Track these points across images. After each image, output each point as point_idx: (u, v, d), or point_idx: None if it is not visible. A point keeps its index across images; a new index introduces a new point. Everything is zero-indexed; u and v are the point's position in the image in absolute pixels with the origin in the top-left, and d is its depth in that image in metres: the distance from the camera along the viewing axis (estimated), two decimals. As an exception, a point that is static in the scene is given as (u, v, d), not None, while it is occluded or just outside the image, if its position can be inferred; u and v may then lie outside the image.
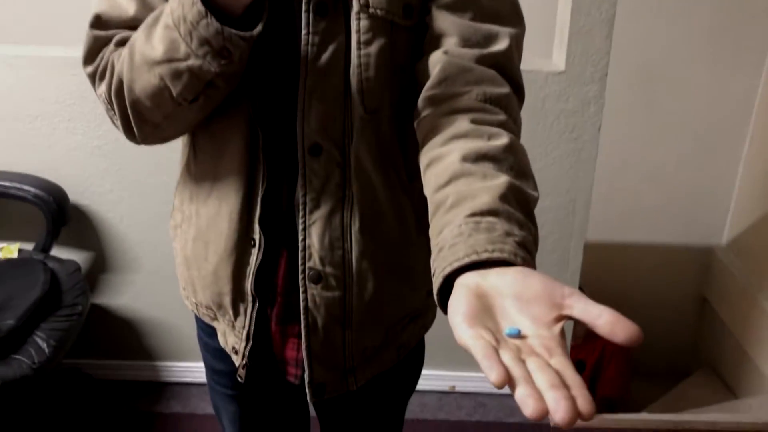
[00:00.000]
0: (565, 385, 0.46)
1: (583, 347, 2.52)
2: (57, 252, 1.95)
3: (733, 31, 2.43)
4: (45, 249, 1.89)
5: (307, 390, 0.91)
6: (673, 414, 2.24)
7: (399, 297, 0.93)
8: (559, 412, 0.44)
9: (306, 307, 0.87)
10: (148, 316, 2.12)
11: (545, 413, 0.44)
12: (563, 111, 1.84)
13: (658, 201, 2.68)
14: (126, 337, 2.14)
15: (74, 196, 1.94)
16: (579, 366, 2.46)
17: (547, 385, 0.46)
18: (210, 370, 1.06)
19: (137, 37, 0.76)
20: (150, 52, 0.74)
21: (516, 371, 0.47)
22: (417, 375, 1.09)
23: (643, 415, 2.25)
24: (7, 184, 1.85)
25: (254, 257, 0.86)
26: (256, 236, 0.85)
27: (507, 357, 0.48)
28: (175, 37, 0.71)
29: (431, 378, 2.17)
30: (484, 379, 2.17)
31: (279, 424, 1.11)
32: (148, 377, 2.18)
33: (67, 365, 2.12)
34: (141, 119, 0.80)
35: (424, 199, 0.89)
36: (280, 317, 0.91)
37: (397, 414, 1.12)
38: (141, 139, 0.83)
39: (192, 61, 0.72)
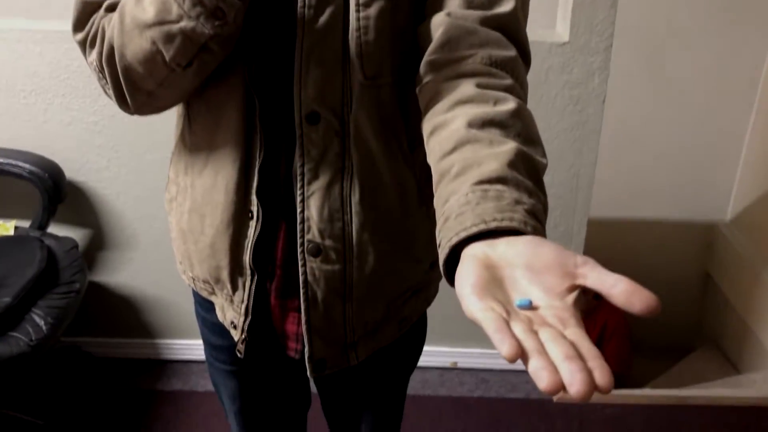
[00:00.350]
0: (581, 357, 0.43)
1: (584, 323, 2.50)
2: (54, 229, 1.92)
3: (739, 3, 2.38)
4: (41, 226, 1.87)
5: (307, 365, 0.89)
6: (676, 389, 2.24)
7: (400, 270, 0.90)
8: (574, 385, 0.41)
9: (305, 281, 0.85)
10: (147, 294, 2.10)
11: (560, 386, 0.42)
12: (567, 83, 1.80)
13: (662, 177, 2.65)
14: (125, 315, 2.13)
15: (70, 172, 1.91)
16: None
17: (562, 357, 0.43)
18: (208, 345, 1.04)
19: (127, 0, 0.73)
20: (141, 14, 0.71)
21: (528, 343, 0.44)
22: (419, 350, 1.07)
23: (646, 391, 2.24)
24: (2, 160, 1.82)
25: (252, 230, 0.84)
26: (254, 208, 0.83)
27: (519, 329, 0.45)
28: None
29: (433, 354, 2.16)
30: (487, 355, 2.18)
31: (279, 399, 1.09)
32: (148, 355, 2.17)
33: (66, 343, 2.11)
34: (134, 87, 0.77)
35: (426, 169, 0.86)
36: (279, 291, 0.89)
37: (399, 389, 1.10)
38: (134, 108, 0.81)
39: (185, 23, 0.69)
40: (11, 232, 1.84)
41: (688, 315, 2.84)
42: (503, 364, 2.19)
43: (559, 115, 1.84)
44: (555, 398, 2.09)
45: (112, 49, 0.75)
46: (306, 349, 0.88)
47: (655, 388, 2.37)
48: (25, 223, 1.89)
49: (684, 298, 2.81)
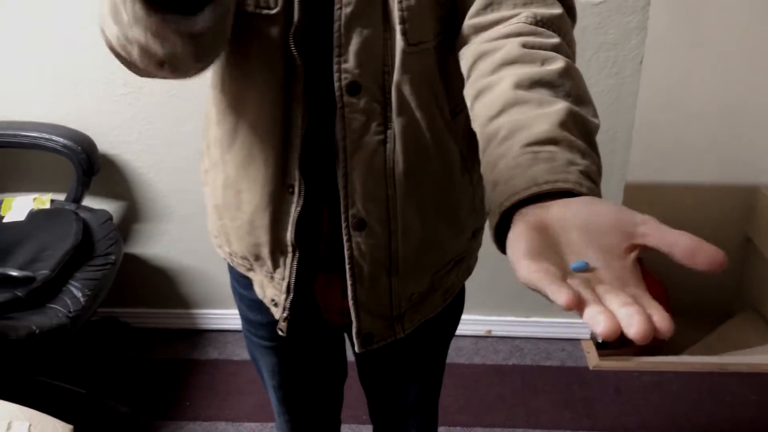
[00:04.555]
0: (640, 305, 0.42)
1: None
2: (88, 202, 1.94)
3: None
4: (76, 199, 1.88)
5: (354, 341, 0.88)
6: (715, 356, 2.20)
7: (445, 240, 0.88)
8: (633, 326, 0.40)
9: (351, 256, 0.83)
10: (182, 265, 2.12)
11: (618, 329, 0.40)
12: (603, 44, 1.75)
13: (702, 139, 2.58)
14: (161, 286, 2.15)
15: (103, 145, 1.92)
16: (617, 309, 2.42)
17: (619, 304, 0.42)
18: (246, 321, 1.03)
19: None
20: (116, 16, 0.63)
21: (585, 294, 0.43)
22: (458, 318, 1.05)
23: (684, 358, 2.21)
24: (35, 134, 1.83)
25: (294, 206, 0.81)
26: (295, 183, 0.80)
27: (575, 283, 0.44)
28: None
29: (467, 322, 2.12)
30: (521, 323, 2.16)
31: (318, 372, 1.09)
32: (184, 325, 2.20)
33: (104, 314, 2.14)
34: (151, 61, 0.68)
35: (468, 136, 0.83)
36: (321, 266, 0.88)
37: (440, 359, 1.10)
38: (162, 76, 0.74)
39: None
40: (47, 206, 1.86)
41: (728, 280, 2.78)
42: (538, 332, 2.18)
43: (594, 78, 1.79)
44: (591, 366, 2.07)
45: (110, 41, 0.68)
46: (354, 324, 0.87)
47: (693, 355, 2.33)
48: (61, 197, 1.91)
49: (723, 264, 2.75)
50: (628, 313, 0.40)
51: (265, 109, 0.78)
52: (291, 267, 0.85)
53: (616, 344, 2.37)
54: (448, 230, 0.88)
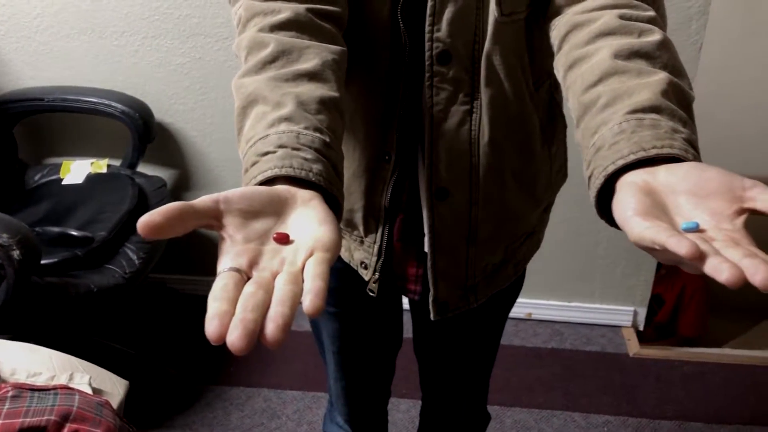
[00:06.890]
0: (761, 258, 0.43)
1: (662, 283, 2.45)
2: (143, 169, 1.98)
3: None
4: (132, 165, 1.92)
5: (430, 309, 0.90)
6: (760, 350, 2.18)
7: (522, 212, 0.89)
8: (758, 275, 0.41)
9: (432, 225, 0.84)
10: (229, 235, 2.14)
11: (742, 277, 0.41)
12: (663, 29, 1.73)
13: (755, 130, 2.54)
14: (210, 254, 2.19)
15: (159, 113, 1.96)
16: (657, 300, 2.41)
17: (741, 256, 0.43)
18: None
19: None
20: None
21: (705, 246, 0.43)
22: (518, 293, 1.07)
23: (727, 350, 2.19)
24: (95, 100, 1.87)
25: (389, 171, 0.82)
26: (392, 151, 0.81)
27: (691, 237, 0.45)
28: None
29: (508, 304, 2.15)
30: (561, 307, 2.16)
31: (377, 338, 1.11)
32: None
33: (153, 279, 2.19)
34: None
35: (548, 108, 0.83)
36: (401, 233, 0.89)
37: (498, 331, 1.11)
38: None
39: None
40: (104, 170, 1.90)
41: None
42: (578, 317, 2.18)
43: (652, 63, 1.77)
44: (631, 353, 2.07)
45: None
46: (431, 292, 0.89)
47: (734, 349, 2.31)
48: (116, 162, 1.95)
49: (767, 258, 2.71)
50: (753, 263, 0.41)
51: (369, 82, 0.79)
52: (383, 231, 0.87)
53: (656, 335, 2.36)
54: (525, 202, 0.89)
